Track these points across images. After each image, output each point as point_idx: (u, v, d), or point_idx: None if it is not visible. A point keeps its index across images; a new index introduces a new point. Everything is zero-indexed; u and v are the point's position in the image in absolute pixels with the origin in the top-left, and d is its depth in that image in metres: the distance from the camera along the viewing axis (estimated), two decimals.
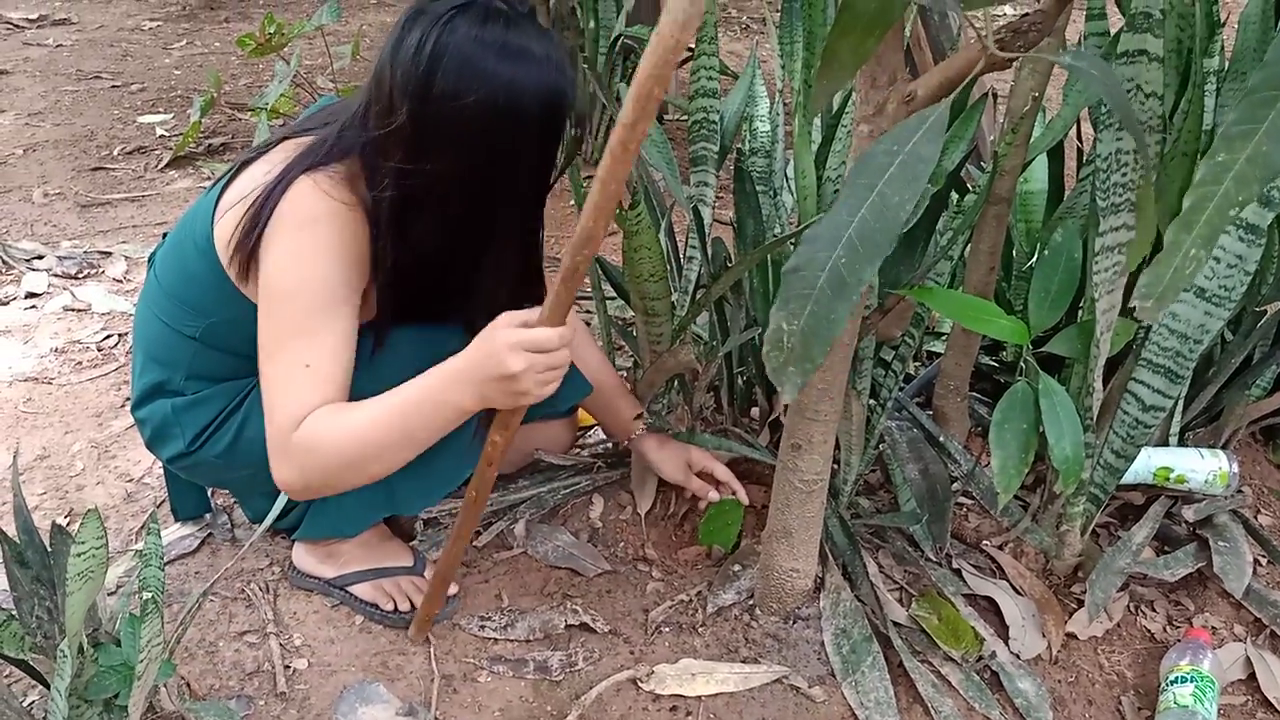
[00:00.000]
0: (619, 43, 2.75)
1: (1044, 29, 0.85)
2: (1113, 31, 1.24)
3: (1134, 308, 0.82)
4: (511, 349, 0.96)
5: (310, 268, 1.06)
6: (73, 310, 2.14)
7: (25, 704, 1.13)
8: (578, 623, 1.33)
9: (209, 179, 2.84)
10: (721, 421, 1.62)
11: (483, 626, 1.33)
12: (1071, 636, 1.34)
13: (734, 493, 1.42)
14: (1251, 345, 1.51)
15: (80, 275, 2.29)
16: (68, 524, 1.51)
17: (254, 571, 1.41)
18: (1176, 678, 1.22)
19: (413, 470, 1.09)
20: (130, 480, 1.61)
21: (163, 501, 1.51)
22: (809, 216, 1.46)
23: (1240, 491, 1.52)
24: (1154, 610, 1.40)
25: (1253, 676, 1.30)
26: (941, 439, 1.55)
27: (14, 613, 1.03)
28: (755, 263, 1.45)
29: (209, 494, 1.49)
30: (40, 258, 2.34)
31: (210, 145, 3.09)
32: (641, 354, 1.46)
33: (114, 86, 3.69)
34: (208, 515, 1.49)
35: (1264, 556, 1.47)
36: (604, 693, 1.24)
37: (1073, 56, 0.82)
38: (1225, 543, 1.43)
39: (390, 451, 1.04)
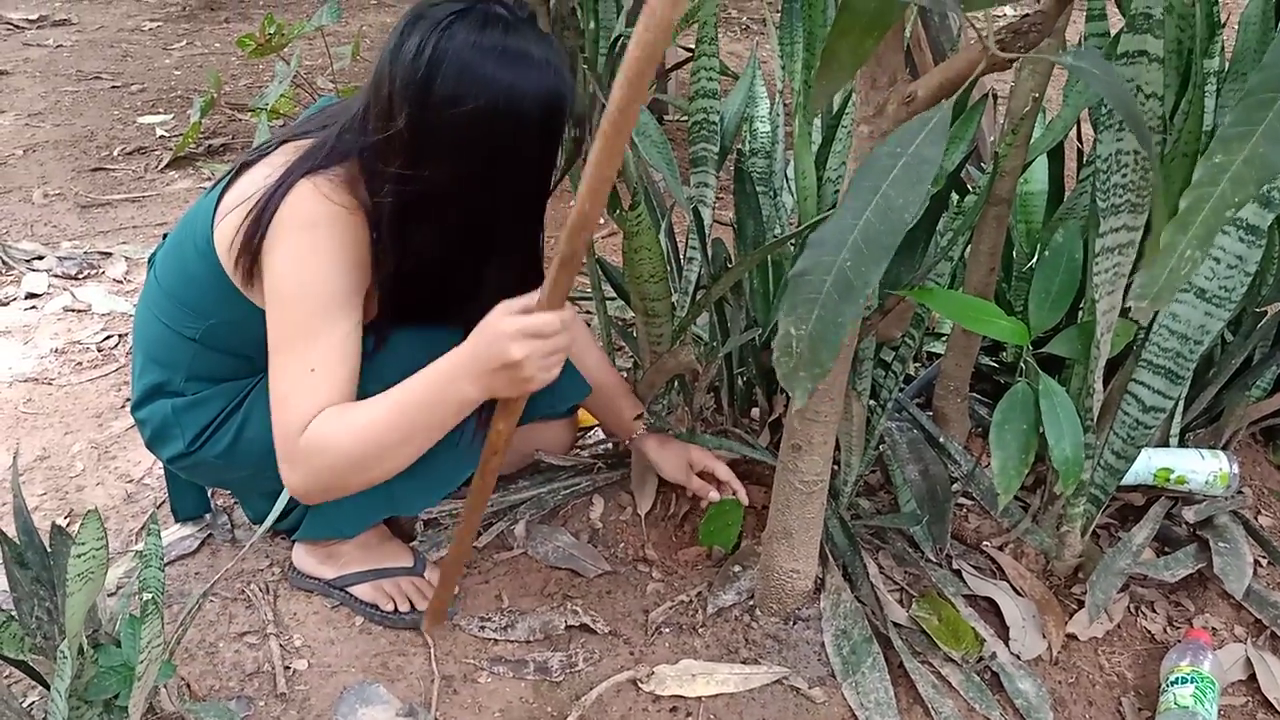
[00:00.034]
0: (619, 43, 2.75)
1: (1044, 30, 0.84)
2: (1113, 32, 1.24)
3: (1129, 307, 0.82)
4: (512, 337, 0.96)
5: (312, 271, 1.06)
6: (73, 311, 2.14)
7: (25, 705, 1.13)
8: (578, 623, 1.33)
9: (209, 179, 2.84)
10: (722, 422, 1.62)
11: (483, 627, 1.33)
12: (1072, 637, 1.34)
13: (735, 492, 1.42)
14: (1252, 346, 1.51)
15: (80, 276, 2.29)
16: (68, 525, 1.51)
17: (254, 572, 1.41)
18: (1177, 678, 1.22)
19: (412, 471, 1.09)
20: (130, 481, 1.61)
21: (163, 502, 1.51)
22: (809, 217, 1.46)
23: (1240, 492, 1.52)
24: (1154, 611, 1.40)
25: (1253, 677, 1.30)
26: (942, 440, 1.55)
27: (14, 614, 1.03)
28: (755, 263, 1.45)
29: (209, 494, 1.50)
30: (40, 258, 2.34)
31: (210, 146, 3.09)
32: (642, 355, 1.46)
33: (114, 87, 3.69)
34: (208, 516, 1.49)
35: (1264, 557, 1.47)
36: (604, 693, 1.24)
37: (1074, 57, 0.81)
38: (1225, 544, 1.43)
39: (397, 448, 1.04)
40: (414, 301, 1.15)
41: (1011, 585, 1.40)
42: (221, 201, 1.14)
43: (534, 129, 1.04)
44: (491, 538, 1.47)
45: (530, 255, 1.19)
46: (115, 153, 3.05)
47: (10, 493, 1.13)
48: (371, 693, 1.24)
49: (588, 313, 2.08)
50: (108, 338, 2.04)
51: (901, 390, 1.65)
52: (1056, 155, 1.64)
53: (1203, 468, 1.47)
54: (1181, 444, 1.56)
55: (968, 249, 1.46)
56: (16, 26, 4.47)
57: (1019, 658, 1.30)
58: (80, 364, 1.95)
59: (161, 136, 3.19)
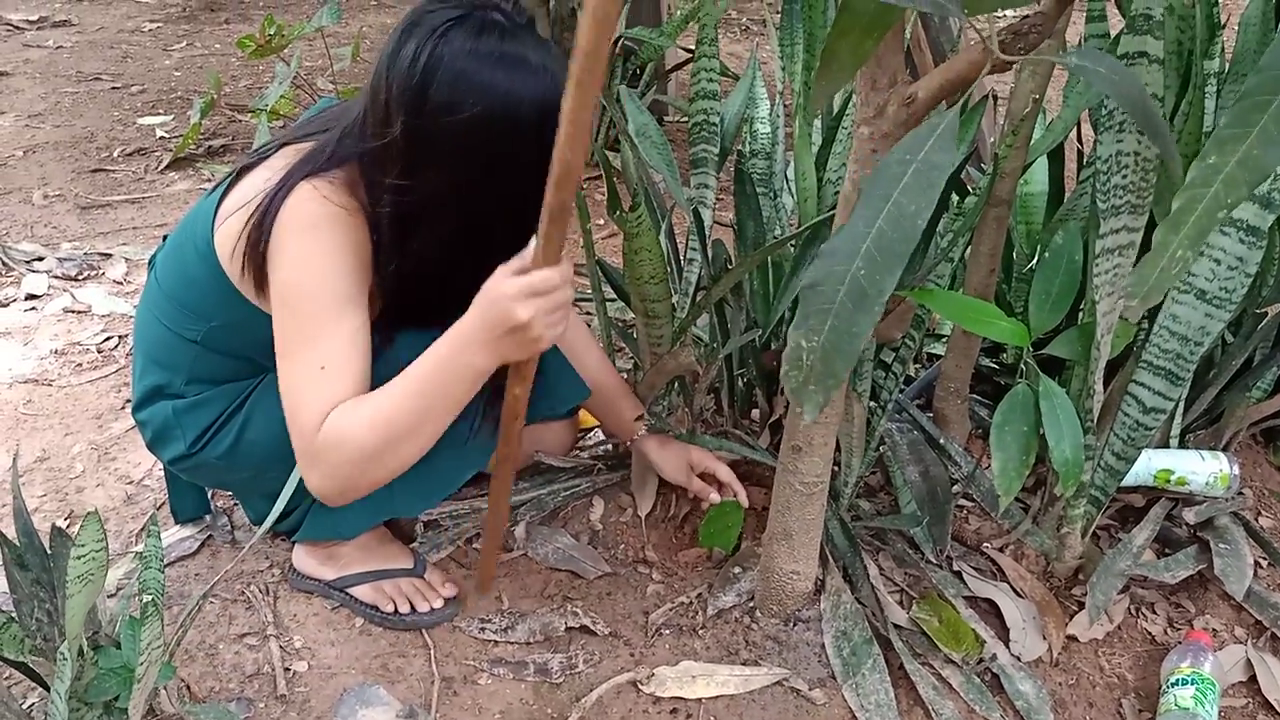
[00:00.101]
0: (619, 44, 2.75)
1: (1044, 31, 0.84)
2: (1113, 33, 1.24)
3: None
4: (515, 298, 0.95)
5: (316, 271, 1.06)
6: (73, 312, 2.14)
7: (25, 706, 1.13)
8: (578, 625, 1.33)
9: (209, 181, 2.84)
10: (722, 423, 1.62)
11: (483, 629, 1.33)
12: (1072, 639, 1.34)
13: (735, 494, 1.41)
14: (1252, 347, 1.51)
15: (80, 277, 2.29)
16: (67, 526, 1.50)
17: (254, 573, 1.41)
18: (1177, 680, 1.22)
19: (412, 473, 1.08)
20: (130, 482, 1.61)
21: (163, 503, 1.51)
22: (809, 218, 1.46)
23: (1241, 494, 1.52)
24: (1155, 612, 1.40)
25: (1254, 679, 1.30)
26: (942, 441, 1.55)
27: (14, 615, 1.03)
28: (756, 265, 1.45)
29: (209, 496, 1.49)
30: (40, 259, 2.34)
31: (210, 147, 3.09)
32: (642, 356, 1.46)
33: (114, 88, 3.70)
34: (207, 517, 1.49)
35: (1265, 559, 1.47)
36: (604, 695, 1.24)
37: (1078, 57, 0.81)
38: (1226, 545, 1.43)
39: (415, 430, 1.03)
40: (414, 302, 1.15)
41: (1012, 586, 1.40)
42: (222, 205, 1.14)
43: (531, 134, 1.03)
44: None
45: None
46: (115, 154, 3.05)
47: (10, 494, 1.13)
48: (371, 694, 1.24)
49: (588, 314, 2.08)
50: (108, 339, 2.04)
51: (902, 391, 1.65)
52: (1057, 156, 1.64)
53: (1203, 469, 1.47)
54: (1182, 445, 1.56)
55: (968, 250, 1.46)
56: (16, 27, 4.47)
57: (1019, 659, 1.30)
58: (80, 365, 1.95)
59: (161, 137, 3.19)
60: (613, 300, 1.76)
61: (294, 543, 1.38)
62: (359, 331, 1.07)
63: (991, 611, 1.37)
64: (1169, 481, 1.47)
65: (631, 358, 1.61)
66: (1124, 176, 1.08)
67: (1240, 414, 1.56)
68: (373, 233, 1.09)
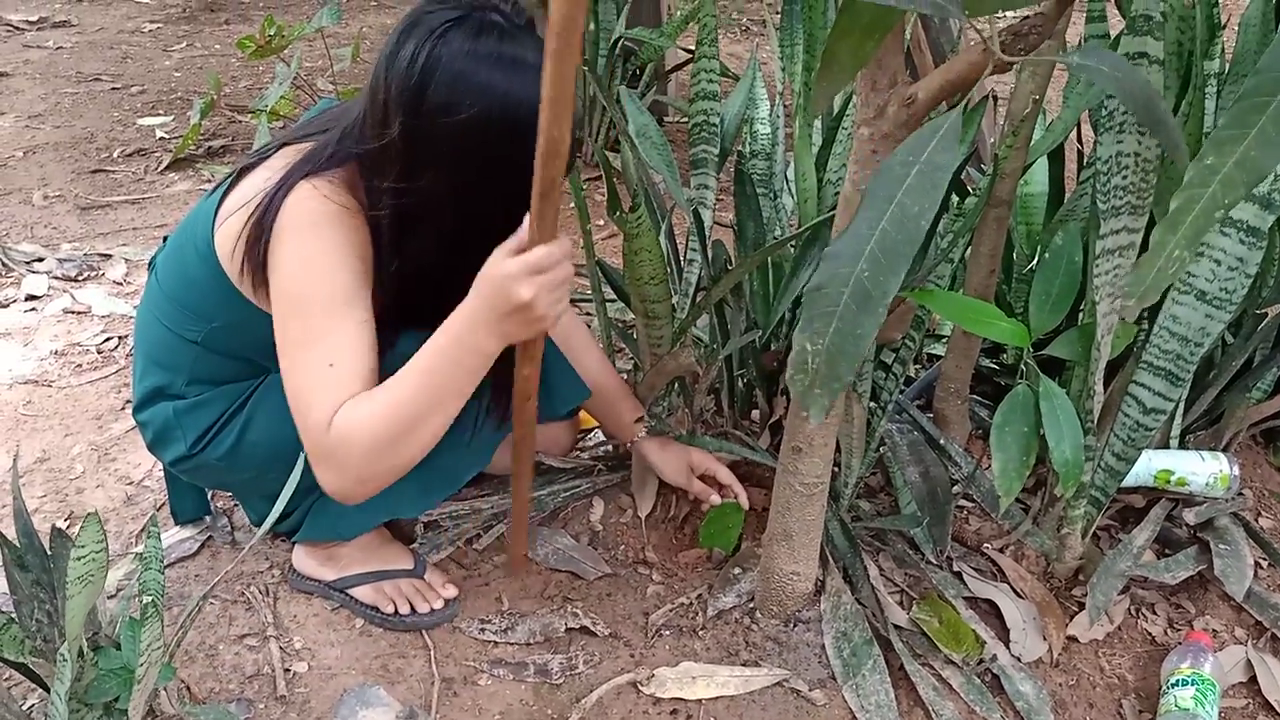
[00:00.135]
0: (619, 44, 2.75)
1: (1044, 32, 0.84)
2: (1113, 34, 1.24)
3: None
4: (516, 278, 0.94)
5: (319, 269, 1.05)
6: (73, 313, 2.14)
7: (25, 708, 1.13)
8: (578, 626, 1.33)
9: (209, 181, 2.84)
10: (722, 424, 1.62)
11: (483, 630, 1.33)
12: (1072, 639, 1.34)
13: (736, 496, 1.42)
14: (1252, 348, 1.51)
15: (80, 278, 2.29)
16: (67, 527, 1.50)
17: (254, 574, 1.41)
18: (1177, 680, 1.22)
19: (413, 473, 1.08)
20: (130, 483, 1.61)
21: (163, 504, 1.51)
22: (809, 219, 1.46)
23: (1241, 494, 1.52)
24: (1155, 613, 1.40)
25: (1254, 679, 1.30)
26: (942, 442, 1.55)
27: (14, 616, 1.03)
28: (756, 265, 1.45)
29: (209, 497, 1.49)
30: (40, 260, 2.34)
31: (210, 148, 3.09)
32: (642, 356, 1.46)
33: (114, 89, 3.70)
34: (207, 518, 1.49)
35: (1265, 559, 1.47)
36: (604, 696, 1.24)
37: (1080, 55, 0.81)
38: (1226, 545, 1.43)
39: (426, 419, 1.02)
40: (414, 302, 1.15)
41: (1012, 587, 1.40)
42: (222, 205, 1.14)
43: (529, 136, 1.03)
44: (491, 540, 1.47)
45: None
46: (115, 154, 3.05)
47: (10, 495, 1.13)
48: (371, 695, 1.24)
49: (588, 314, 2.08)
50: (107, 339, 2.04)
51: (902, 392, 1.65)
52: (1057, 157, 1.64)
53: (1203, 470, 1.47)
54: (1182, 446, 1.56)
55: (968, 251, 1.46)
56: (16, 28, 4.47)
57: (1019, 660, 1.30)
58: (80, 366, 1.95)
59: (161, 138, 3.19)
60: (613, 301, 1.76)
61: (294, 544, 1.38)
62: (364, 326, 1.07)
63: (992, 612, 1.37)
64: (1169, 482, 1.47)
65: (631, 358, 1.61)
66: (1124, 177, 1.08)
67: (1240, 415, 1.56)
68: (372, 233, 1.09)
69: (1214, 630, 1.37)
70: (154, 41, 4.38)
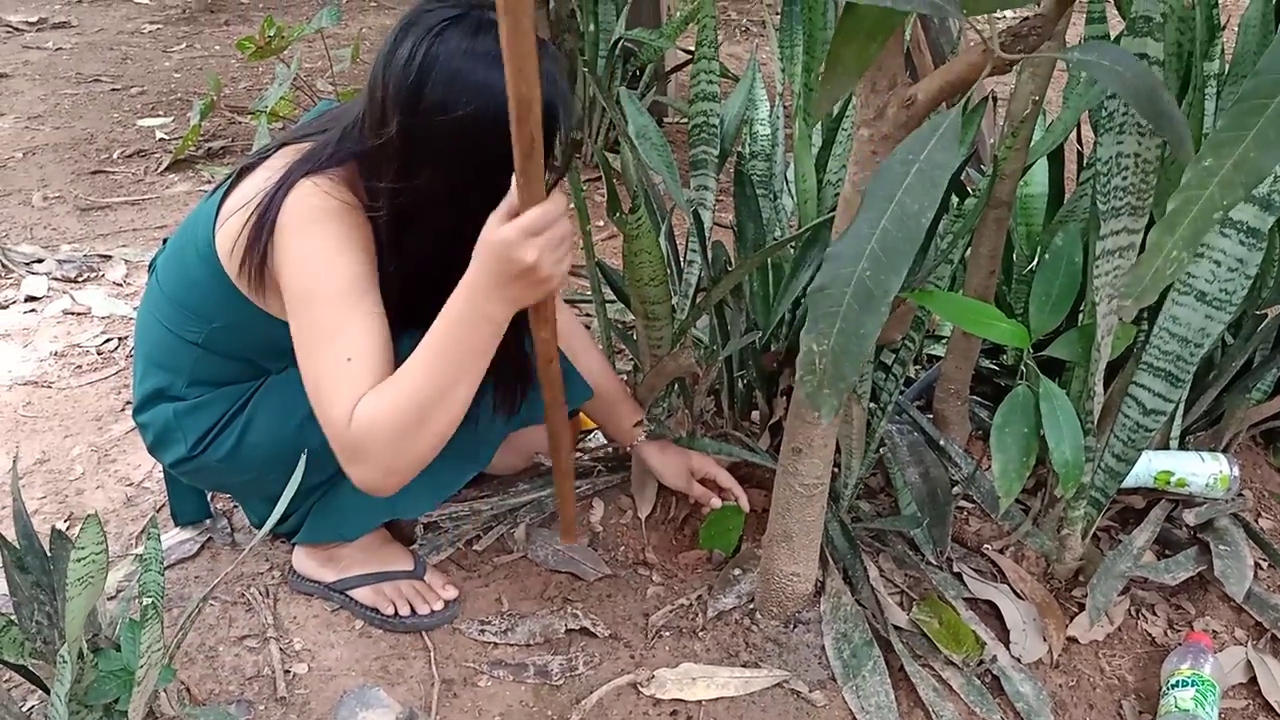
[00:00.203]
0: (619, 45, 2.75)
1: (1044, 33, 0.84)
2: (1113, 35, 1.24)
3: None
4: (516, 242, 0.93)
5: (325, 265, 1.05)
6: (72, 314, 2.14)
7: (25, 709, 1.13)
8: (578, 627, 1.33)
9: (209, 182, 2.84)
10: (722, 425, 1.62)
11: (483, 631, 1.33)
12: (1072, 640, 1.34)
13: (736, 499, 1.42)
14: (1252, 349, 1.51)
15: (80, 279, 2.29)
16: (67, 529, 1.50)
17: (254, 576, 1.41)
18: (1177, 681, 1.22)
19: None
20: (130, 484, 1.61)
21: (163, 506, 1.51)
22: (809, 220, 1.46)
23: (1241, 495, 1.52)
24: (1155, 614, 1.40)
25: (1254, 680, 1.30)
26: (942, 442, 1.55)
27: (14, 618, 1.03)
28: (755, 266, 1.45)
29: (209, 499, 1.49)
30: (40, 261, 2.34)
31: (210, 149, 3.10)
32: (642, 358, 1.46)
33: (114, 90, 3.70)
34: (208, 520, 1.49)
35: (1265, 560, 1.47)
36: (604, 697, 1.24)
37: (1080, 52, 0.81)
38: (1226, 546, 1.43)
39: (447, 396, 1.01)
40: (415, 302, 1.15)
41: (1012, 588, 1.40)
42: (223, 206, 1.14)
43: None
44: (491, 541, 1.47)
45: None
46: (115, 155, 3.05)
47: (10, 496, 1.13)
48: (371, 696, 1.23)
49: (588, 315, 2.08)
50: (107, 341, 2.03)
51: (902, 393, 1.65)
52: (1057, 158, 1.64)
53: (1203, 470, 1.47)
54: (1182, 447, 1.56)
55: (968, 252, 1.46)
56: (16, 29, 4.47)
57: (1019, 661, 1.30)
58: (80, 367, 1.95)
59: (161, 139, 3.19)
60: (612, 302, 1.76)
61: (294, 545, 1.38)
62: (377, 317, 1.06)
63: (992, 613, 1.37)
64: (1169, 483, 1.47)
65: (631, 359, 1.61)
66: (1124, 178, 1.08)
67: (1240, 415, 1.56)
68: (373, 232, 1.09)
69: (1214, 631, 1.37)
70: (154, 42, 4.38)
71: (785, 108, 1.59)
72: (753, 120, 1.57)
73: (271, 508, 1.15)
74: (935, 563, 1.42)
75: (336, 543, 1.35)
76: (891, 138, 0.95)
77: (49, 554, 1.09)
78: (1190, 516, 1.46)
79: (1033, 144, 1.39)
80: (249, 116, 3.29)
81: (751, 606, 1.37)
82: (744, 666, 1.29)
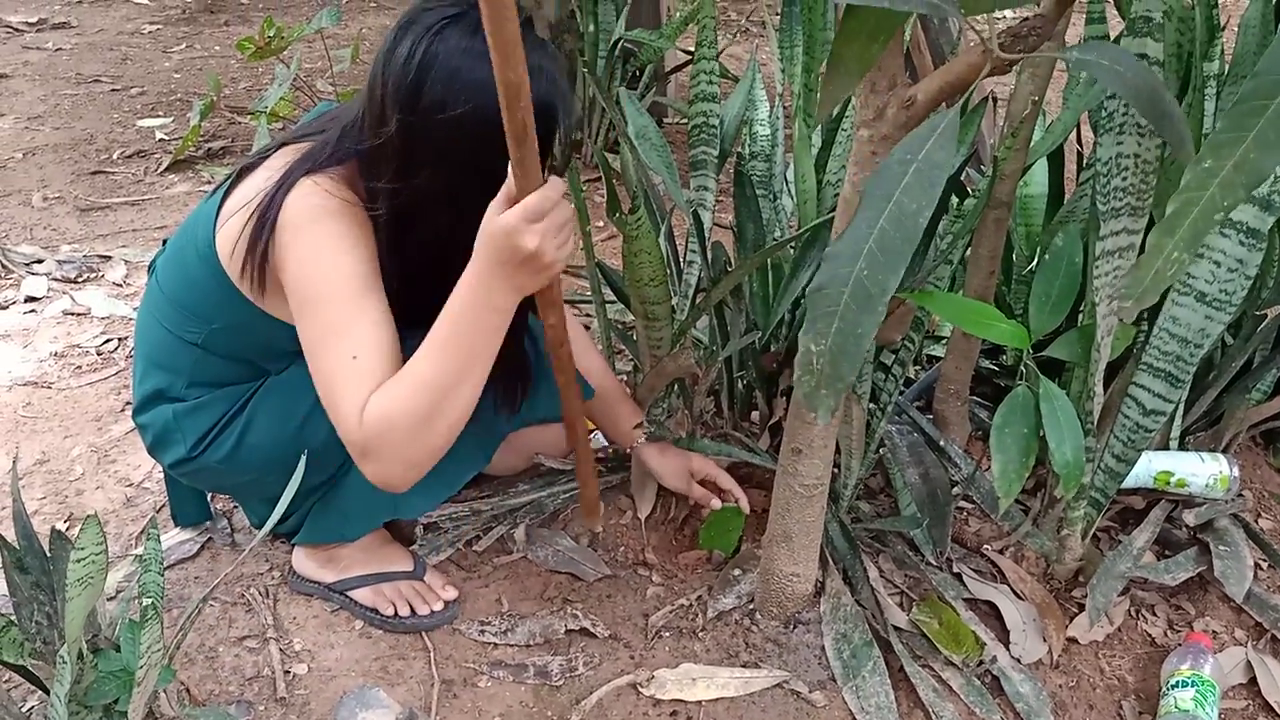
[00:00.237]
0: (618, 46, 2.75)
1: (1044, 33, 0.84)
2: (1112, 35, 1.24)
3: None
4: (517, 229, 0.93)
5: (329, 263, 1.05)
6: (72, 314, 2.14)
7: (25, 710, 1.13)
8: (578, 627, 1.33)
9: (209, 183, 2.84)
10: (721, 426, 1.62)
11: (482, 631, 1.33)
12: (1072, 641, 1.34)
13: (736, 500, 1.42)
14: (1252, 349, 1.51)
15: (80, 279, 2.29)
16: (67, 529, 1.50)
17: (254, 576, 1.41)
18: (1177, 682, 1.22)
19: None
20: (130, 485, 1.61)
21: (162, 506, 1.51)
22: (809, 220, 1.46)
23: (1241, 495, 1.52)
24: (1155, 614, 1.39)
25: (1254, 681, 1.30)
26: (942, 443, 1.55)
27: (13, 618, 1.03)
28: (755, 267, 1.46)
29: (209, 501, 1.49)
30: (40, 262, 2.34)
31: (210, 149, 3.10)
32: (641, 358, 1.46)
33: (113, 90, 3.70)
34: (208, 522, 1.49)
35: (1265, 560, 1.47)
36: (604, 697, 1.24)
37: (1079, 51, 0.81)
38: (1226, 547, 1.43)
39: (455, 388, 1.01)
40: (415, 302, 1.15)
41: (1012, 589, 1.40)
42: (223, 207, 1.14)
43: None
44: (491, 541, 1.47)
45: None
46: (115, 156, 3.05)
47: (10, 497, 1.13)
48: (371, 697, 1.23)
49: (588, 316, 2.08)
50: (107, 341, 2.03)
51: (901, 393, 1.65)
52: (1056, 158, 1.64)
53: (1203, 471, 1.47)
54: (1182, 447, 1.56)
55: (967, 252, 1.46)
56: (16, 30, 4.47)
57: (1019, 661, 1.30)
58: (80, 368, 1.95)
59: (161, 139, 3.19)
60: (612, 302, 1.76)
61: (294, 545, 1.38)
62: (383, 315, 1.06)
63: (991, 613, 1.37)
64: (1169, 483, 1.47)
65: (631, 360, 1.61)
66: (1124, 179, 1.08)
67: (1240, 416, 1.56)
68: (374, 231, 1.09)
69: (1214, 631, 1.37)
70: (153, 43, 4.38)
71: (785, 108, 1.59)
72: (752, 121, 1.57)
73: (271, 508, 1.15)
74: (935, 563, 1.42)
75: (337, 543, 1.35)
76: (891, 138, 0.95)
77: (49, 554, 1.09)
78: (1190, 517, 1.46)
79: (1032, 144, 1.39)
80: (249, 117, 3.29)
81: (751, 607, 1.37)
82: (744, 667, 1.29)
